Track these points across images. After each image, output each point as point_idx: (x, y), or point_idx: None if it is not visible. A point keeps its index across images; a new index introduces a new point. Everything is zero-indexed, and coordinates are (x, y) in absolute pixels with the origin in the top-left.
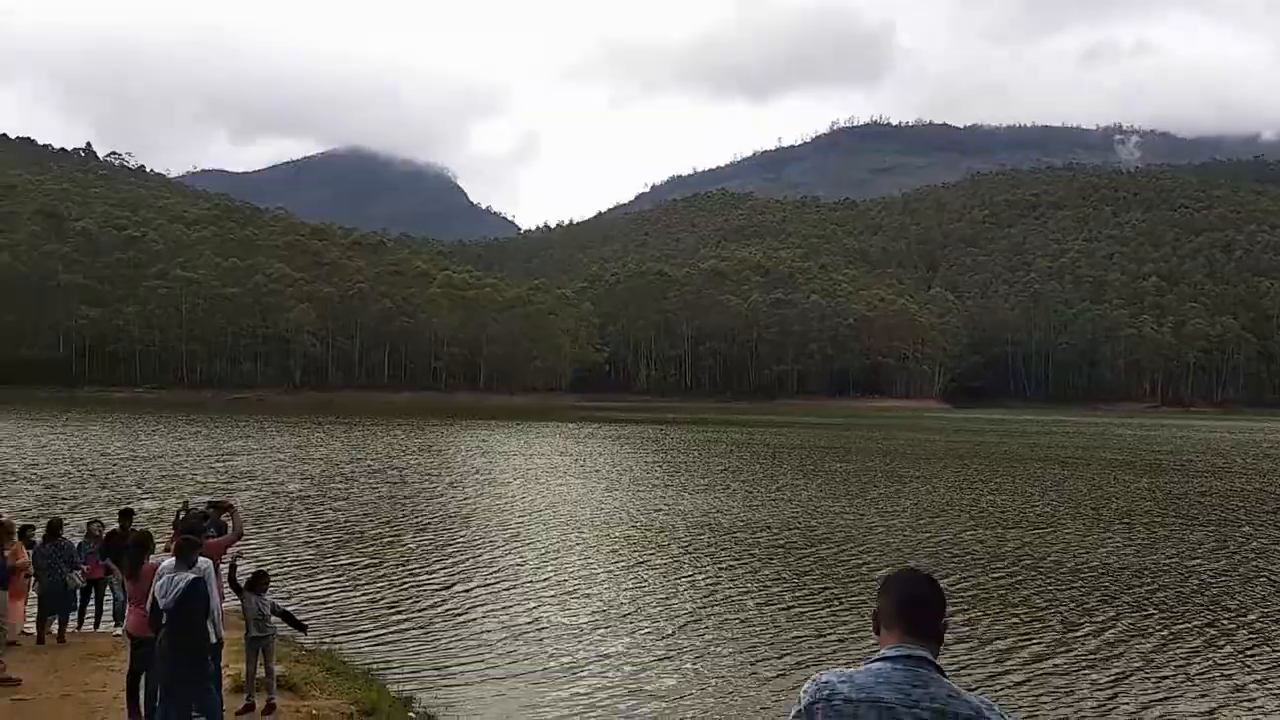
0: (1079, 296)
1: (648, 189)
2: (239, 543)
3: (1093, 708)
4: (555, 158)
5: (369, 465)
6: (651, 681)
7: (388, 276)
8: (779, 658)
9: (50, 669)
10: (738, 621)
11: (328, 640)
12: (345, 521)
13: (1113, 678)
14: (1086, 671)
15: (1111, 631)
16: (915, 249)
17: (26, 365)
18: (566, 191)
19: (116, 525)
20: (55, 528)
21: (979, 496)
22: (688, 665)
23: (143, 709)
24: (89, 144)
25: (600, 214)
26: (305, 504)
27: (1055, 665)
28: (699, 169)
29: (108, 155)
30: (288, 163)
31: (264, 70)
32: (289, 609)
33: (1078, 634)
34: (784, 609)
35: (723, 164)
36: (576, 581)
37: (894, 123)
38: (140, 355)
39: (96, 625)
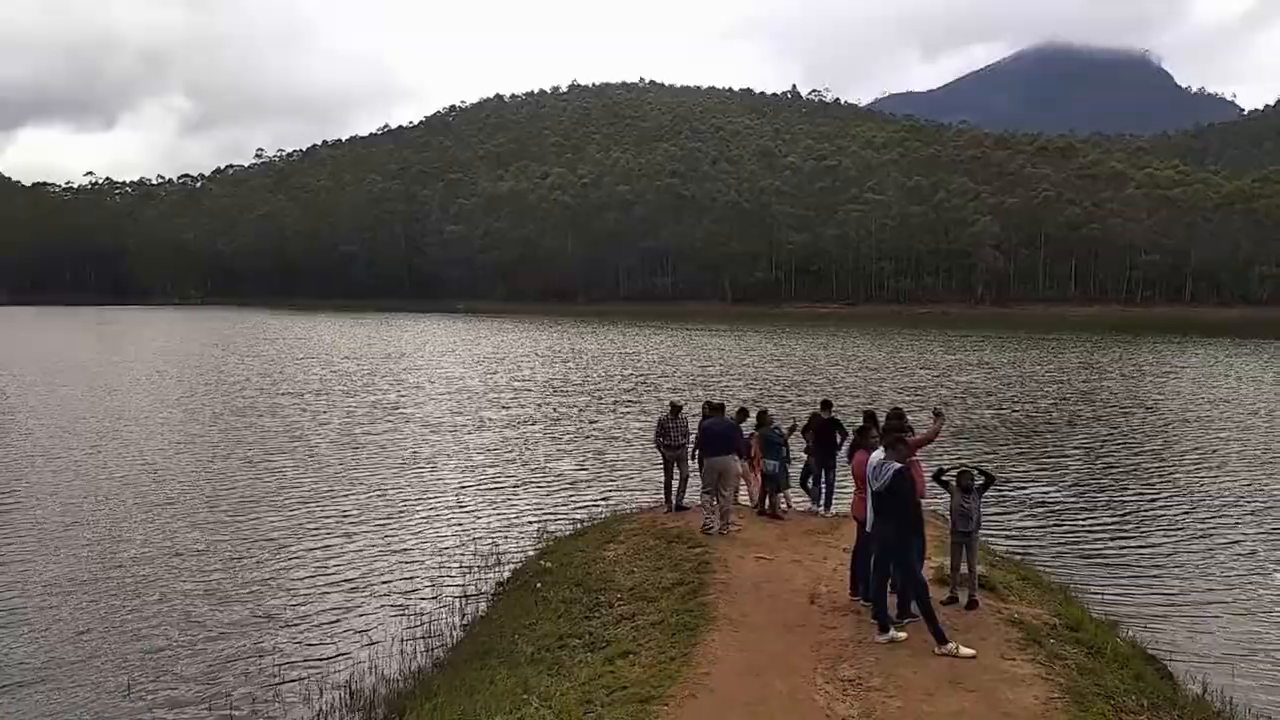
0: None
1: None
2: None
3: None
4: None
5: (1107, 387)
6: None
7: (1075, 181)
8: None
9: (781, 538)
10: None
11: (1023, 553)
12: (1090, 444)
13: None
14: None
15: None
16: None
17: (745, 287)
18: None
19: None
20: (763, 417)
21: None
22: None
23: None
24: (794, 86)
25: None
26: (1050, 427)
27: None
28: None
29: (809, 94)
30: (974, 73)
31: None
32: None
33: None
34: None
35: None
36: None
37: None
38: (836, 274)
39: (827, 505)
